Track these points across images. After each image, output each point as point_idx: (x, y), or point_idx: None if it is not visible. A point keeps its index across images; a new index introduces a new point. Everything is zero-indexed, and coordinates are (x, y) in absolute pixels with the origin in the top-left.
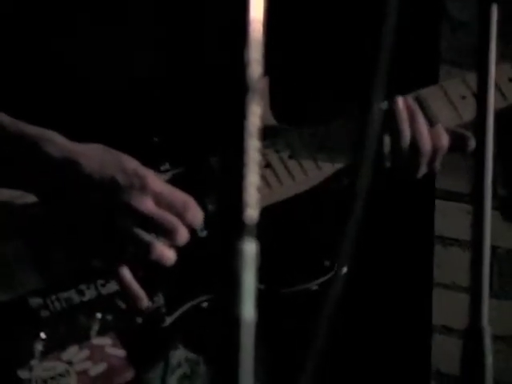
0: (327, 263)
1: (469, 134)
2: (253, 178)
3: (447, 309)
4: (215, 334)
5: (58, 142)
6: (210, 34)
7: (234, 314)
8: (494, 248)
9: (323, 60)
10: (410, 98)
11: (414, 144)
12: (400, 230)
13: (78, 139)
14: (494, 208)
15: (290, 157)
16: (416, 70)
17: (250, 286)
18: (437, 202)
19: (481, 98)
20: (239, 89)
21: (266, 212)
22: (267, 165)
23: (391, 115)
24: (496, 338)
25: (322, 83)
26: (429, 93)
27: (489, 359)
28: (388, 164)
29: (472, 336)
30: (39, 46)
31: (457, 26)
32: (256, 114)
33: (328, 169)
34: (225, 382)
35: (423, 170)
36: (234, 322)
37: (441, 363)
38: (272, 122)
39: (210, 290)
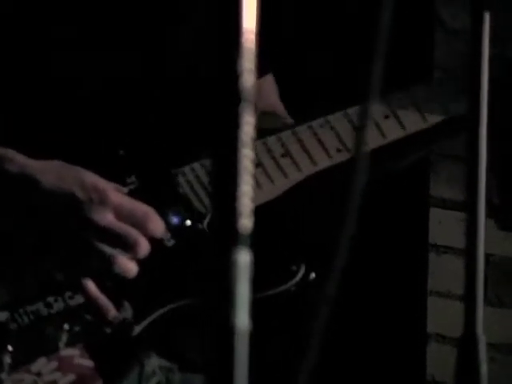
0: (294, 268)
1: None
2: (246, 188)
3: (441, 317)
4: (199, 343)
5: (15, 160)
6: (198, 44)
7: (229, 324)
8: (488, 256)
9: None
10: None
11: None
12: (394, 237)
13: (42, 153)
14: (487, 216)
15: (283, 155)
16: (410, 78)
17: (244, 296)
18: (431, 209)
19: (473, 106)
20: (232, 99)
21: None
22: (258, 164)
23: None
24: (490, 346)
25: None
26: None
27: (483, 367)
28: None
29: (466, 344)
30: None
31: (450, 33)
32: (249, 123)
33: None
34: None
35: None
36: (229, 332)
37: (435, 371)
38: (284, 114)
39: (178, 298)
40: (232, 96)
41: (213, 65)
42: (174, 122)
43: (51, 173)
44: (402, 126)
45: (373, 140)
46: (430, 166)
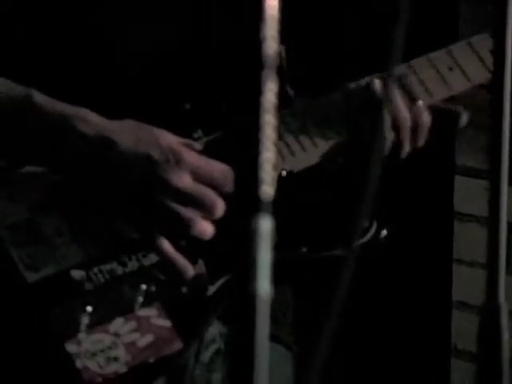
0: (366, 224)
1: (460, 108)
2: (268, 155)
3: (465, 285)
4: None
5: (91, 121)
6: (223, 9)
7: (250, 291)
8: (510, 224)
9: (338, 27)
10: (388, 78)
11: (394, 124)
12: (419, 206)
13: (109, 110)
14: (510, 184)
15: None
16: (434, 43)
17: (265, 263)
18: (456, 178)
19: (497, 71)
20: (255, 65)
21: (301, 177)
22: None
23: (370, 97)
24: None
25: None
26: (418, 64)
27: (505, 335)
28: (372, 146)
29: (488, 312)
30: (66, 20)
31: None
32: (272, 90)
33: (323, 145)
34: (240, 358)
35: (406, 148)
36: (250, 299)
37: (458, 339)
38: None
39: None
40: (255, 63)
41: (236, 32)
42: (239, 77)
43: (127, 134)
44: (467, 78)
45: (439, 92)
46: (456, 135)
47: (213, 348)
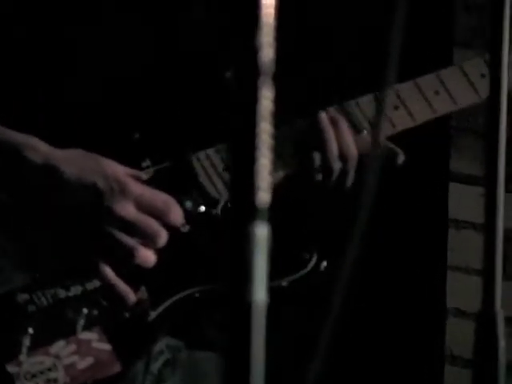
0: (306, 256)
1: (398, 149)
2: (265, 161)
3: (461, 292)
4: (211, 322)
5: (39, 149)
6: (210, 20)
7: (246, 298)
8: (507, 231)
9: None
10: (333, 109)
11: (341, 155)
12: (414, 212)
13: (58, 138)
14: (507, 191)
15: None
16: (429, 52)
17: (261, 270)
18: (450, 184)
19: (493, 78)
20: (251, 72)
21: None
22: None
23: (316, 130)
24: (509, 321)
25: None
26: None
27: (501, 343)
28: (318, 177)
29: (485, 319)
30: (16, 47)
31: (470, 7)
32: (268, 97)
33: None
34: (236, 367)
35: (351, 178)
36: (246, 306)
37: (454, 346)
38: None
39: (192, 284)
40: (251, 70)
41: (231, 40)
42: (189, 107)
43: (74, 163)
44: (412, 118)
45: (382, 130)
46: (450, 141)
47: (161, 359)
